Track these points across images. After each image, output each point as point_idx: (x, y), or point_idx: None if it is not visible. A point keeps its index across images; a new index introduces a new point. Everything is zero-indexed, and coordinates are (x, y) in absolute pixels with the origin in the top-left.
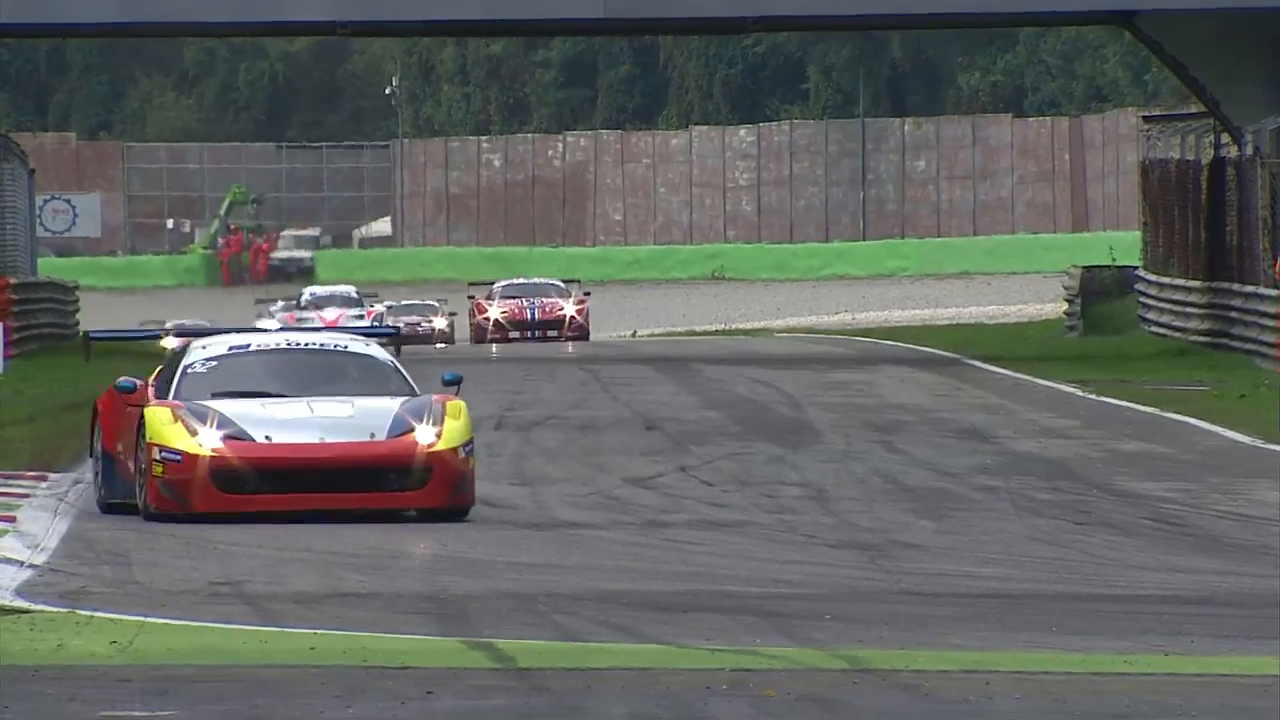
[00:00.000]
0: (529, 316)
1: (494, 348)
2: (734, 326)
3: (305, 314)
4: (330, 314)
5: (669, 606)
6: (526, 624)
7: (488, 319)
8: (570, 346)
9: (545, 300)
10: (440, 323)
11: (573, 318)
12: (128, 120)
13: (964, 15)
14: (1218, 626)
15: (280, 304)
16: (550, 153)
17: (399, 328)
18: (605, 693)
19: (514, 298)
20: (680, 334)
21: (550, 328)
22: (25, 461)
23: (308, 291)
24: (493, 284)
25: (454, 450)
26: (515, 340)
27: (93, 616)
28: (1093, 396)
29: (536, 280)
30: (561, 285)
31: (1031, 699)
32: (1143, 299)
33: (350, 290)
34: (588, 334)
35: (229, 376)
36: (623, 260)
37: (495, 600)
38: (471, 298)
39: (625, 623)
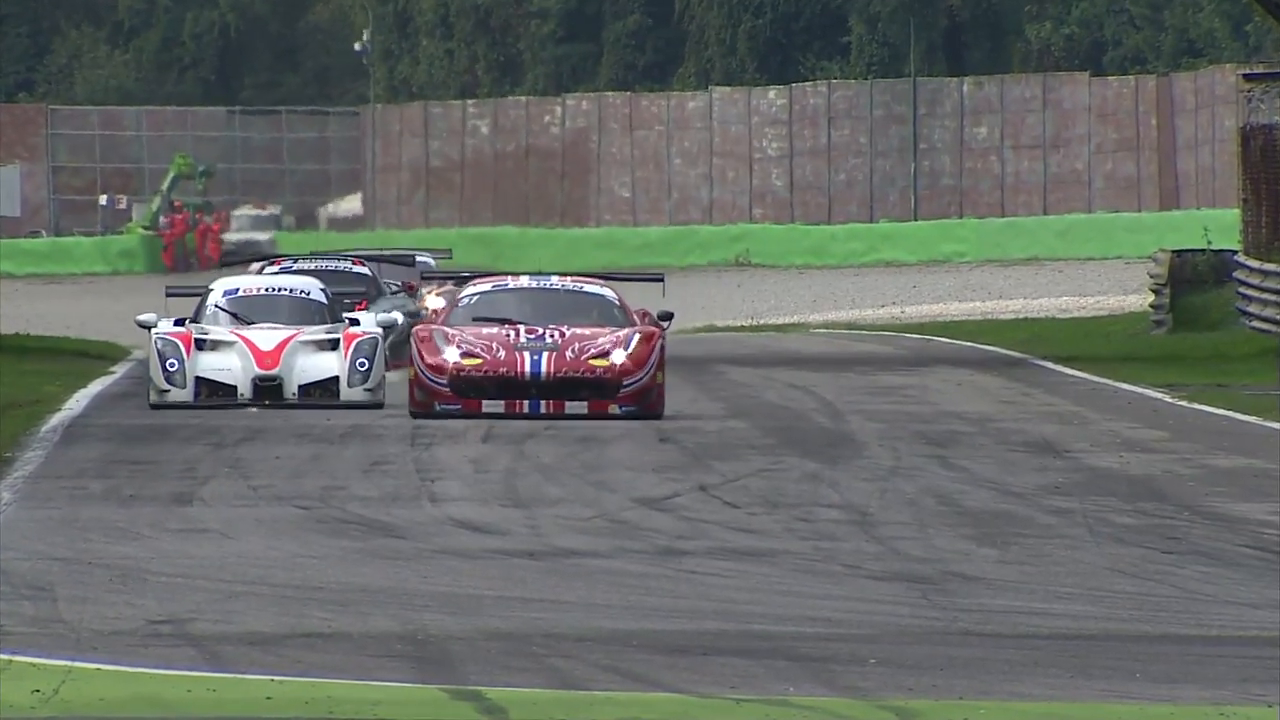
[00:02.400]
0: (529, 369)
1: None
2: (762, 321)
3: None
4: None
5: (686, 649)
6: (519, 669)
7: (438, 368)
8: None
9: (567, 331)
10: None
11: (626, 371)
12: (52, 79)
13: None
14: None
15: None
16: (547, 118)
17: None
18: None
19: (498, 323)
20: (699, 330)
21: (575, 392)
22: None
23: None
24: (455, 282)
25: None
26: (494, 416)
27: (11, 661)
28: (1183, 403)
29: (549, 282)
30: (602, 293)
31: None
32: (1242, 289)
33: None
34: (658, 405)
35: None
36: (632, 243)
37: (483, 641)
38: (413, 316)
39: (635, 668)
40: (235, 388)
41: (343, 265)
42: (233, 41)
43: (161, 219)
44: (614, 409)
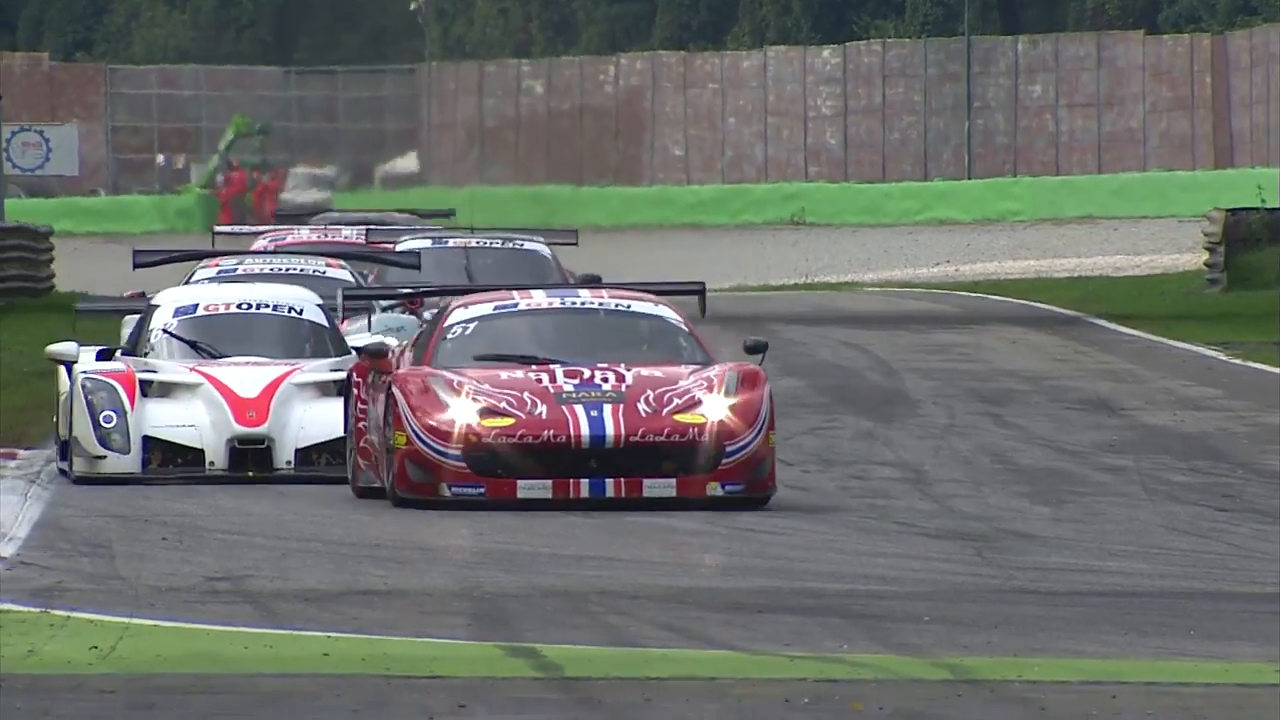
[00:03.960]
0: (587, 432)
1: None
2: (816, 279)
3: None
4: None
5: (740, 606)
6: (575, 626)
7: (443, 433)
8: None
9: (627, 372)
10: None
11: (729, 432)
12: (111, 39)
13: None
14: None
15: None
16: (601, 77)
17: None
18: (666, 706)
19: (517, 362)
20: (754, 289)
21: (656, 465)
22: None
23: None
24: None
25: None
26: (535, 505)
27: (69, 617)
28: (1238, 362)
29: (579, 300)
30: (658, 312)
31: (1166, 715)
32: None
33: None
34: (771, 482)
35: None
36: (685, 202)
37: (539, 599)
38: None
39: (689, 625)
40: (202, 452)
41: (313, 269)
42: (289, 1)
43: (219, 178)
44: (713, 489)
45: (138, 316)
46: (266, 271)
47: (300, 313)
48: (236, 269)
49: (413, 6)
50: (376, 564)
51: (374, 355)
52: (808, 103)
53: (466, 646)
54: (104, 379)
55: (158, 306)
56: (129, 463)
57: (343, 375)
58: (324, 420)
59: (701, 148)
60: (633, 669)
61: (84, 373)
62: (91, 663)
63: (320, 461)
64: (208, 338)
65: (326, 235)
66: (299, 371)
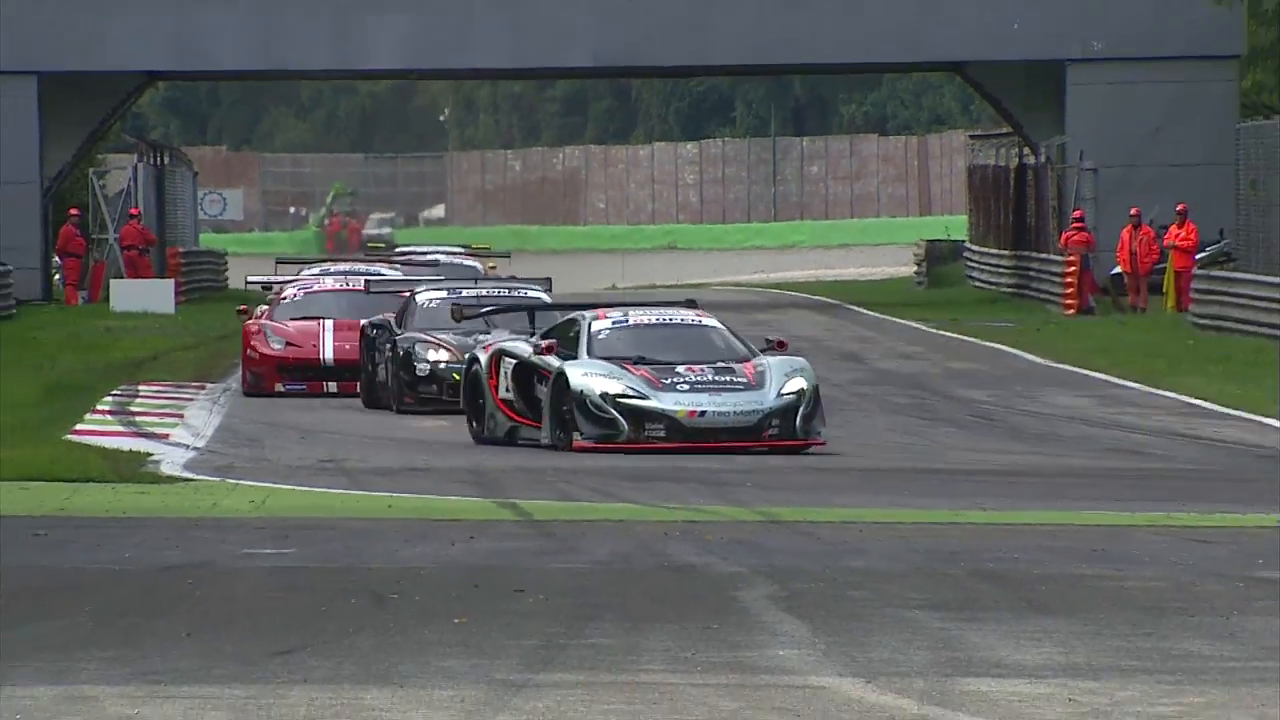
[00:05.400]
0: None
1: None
2: (684, 282)
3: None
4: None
5: (640, 478)
6: (539, 489)
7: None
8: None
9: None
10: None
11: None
12: (262, 137)
13: (844, 65)
14: (1022, 490)
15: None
16: (554, 161)
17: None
18: (594, 536)
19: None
20: (645, 287)
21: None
22: (190, 375)
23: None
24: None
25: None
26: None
27: (237, 484)
28: (934, 330)
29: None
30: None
31: (891, 540)
32: (968, 263)
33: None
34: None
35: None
36: (604, 235)
37: (518, 474)
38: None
39: (609, 489)
40: None
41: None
42: (368, 115)
43: (325, 220)
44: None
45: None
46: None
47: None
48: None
49: (442, 118)
50: (422, 451)
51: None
52: (679, 177)
53: (475, 502)
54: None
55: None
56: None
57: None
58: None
59: (615, 203)
60: (574, 515)
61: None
62: (250, 511)
63: None
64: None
65: (397, 266)
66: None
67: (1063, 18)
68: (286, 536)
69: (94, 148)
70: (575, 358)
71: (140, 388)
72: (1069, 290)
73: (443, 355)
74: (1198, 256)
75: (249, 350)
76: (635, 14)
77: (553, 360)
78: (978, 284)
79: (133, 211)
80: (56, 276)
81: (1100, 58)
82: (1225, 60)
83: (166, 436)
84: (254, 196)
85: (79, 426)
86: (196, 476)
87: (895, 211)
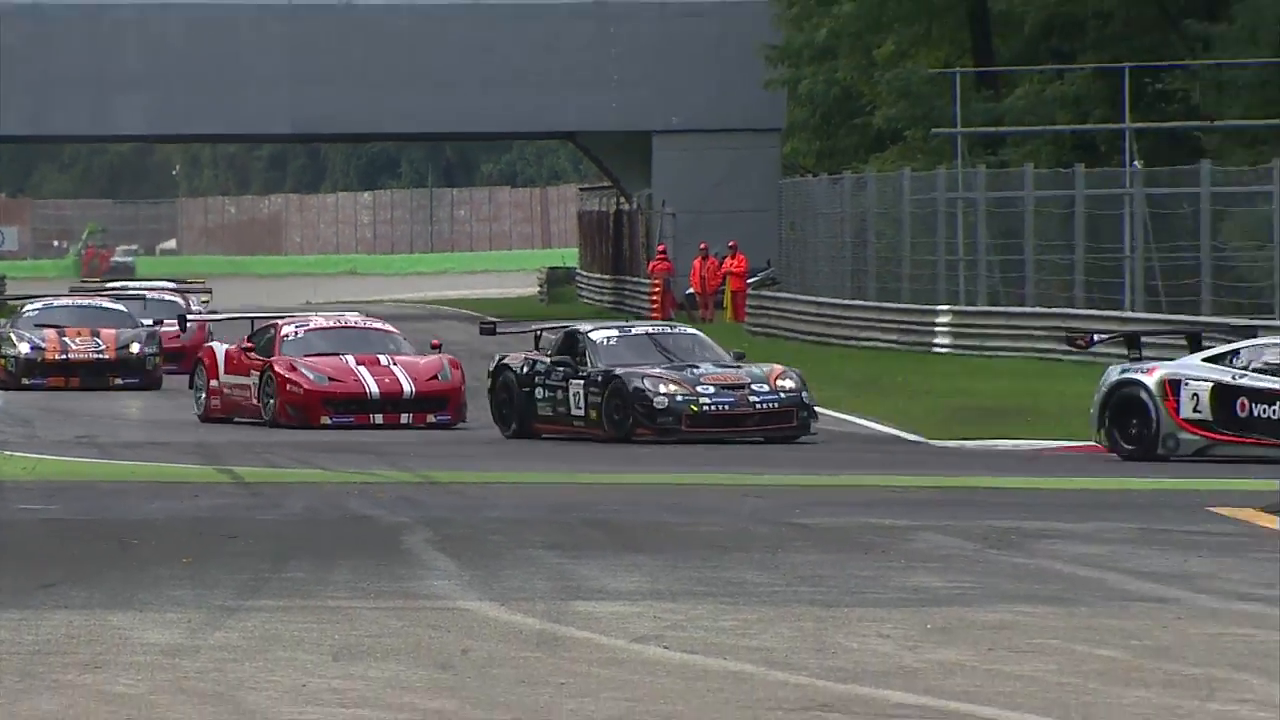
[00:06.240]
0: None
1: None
2: (361, 299)
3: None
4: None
5: (330, 450)
6: (250, 459)
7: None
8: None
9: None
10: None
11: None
12: (34, 186)
13: (483, 133)
14: (615, 456)
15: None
16: (262, 205)
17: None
18: (293, 495)
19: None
20: (334, 302)
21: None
22: None
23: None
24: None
25: None
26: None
27: (12, 455)
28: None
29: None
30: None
31: (520, 496)
32: (579, 285)
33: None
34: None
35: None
36: (300, 263)
37: (234, 447)
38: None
39: (306, 458)
40: None
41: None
42: (118, 170)
43: (82, 251)
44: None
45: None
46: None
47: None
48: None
49: (174, 172)
50: (162, 429)
51: None
52: (357, 218)
53: (199, 468)
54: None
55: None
56: None
57: None
58: None
59: (309, 239)
60: (277, 479)
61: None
62: (23, 476)
63: None
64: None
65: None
66: None
67: (649, 99)
68: (52, 496)
69: None
70: None
71: None
72: (655, 305)
73: (673, 389)
74: (750, 280)
75: (289, 385)
76: (324, 93)
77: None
78: (587, 300)
79: None
80: None
81: (678, 129)
82: (771, 132)
83: None
84: (27, 233)
85: None
86: None
87: (523, 246)
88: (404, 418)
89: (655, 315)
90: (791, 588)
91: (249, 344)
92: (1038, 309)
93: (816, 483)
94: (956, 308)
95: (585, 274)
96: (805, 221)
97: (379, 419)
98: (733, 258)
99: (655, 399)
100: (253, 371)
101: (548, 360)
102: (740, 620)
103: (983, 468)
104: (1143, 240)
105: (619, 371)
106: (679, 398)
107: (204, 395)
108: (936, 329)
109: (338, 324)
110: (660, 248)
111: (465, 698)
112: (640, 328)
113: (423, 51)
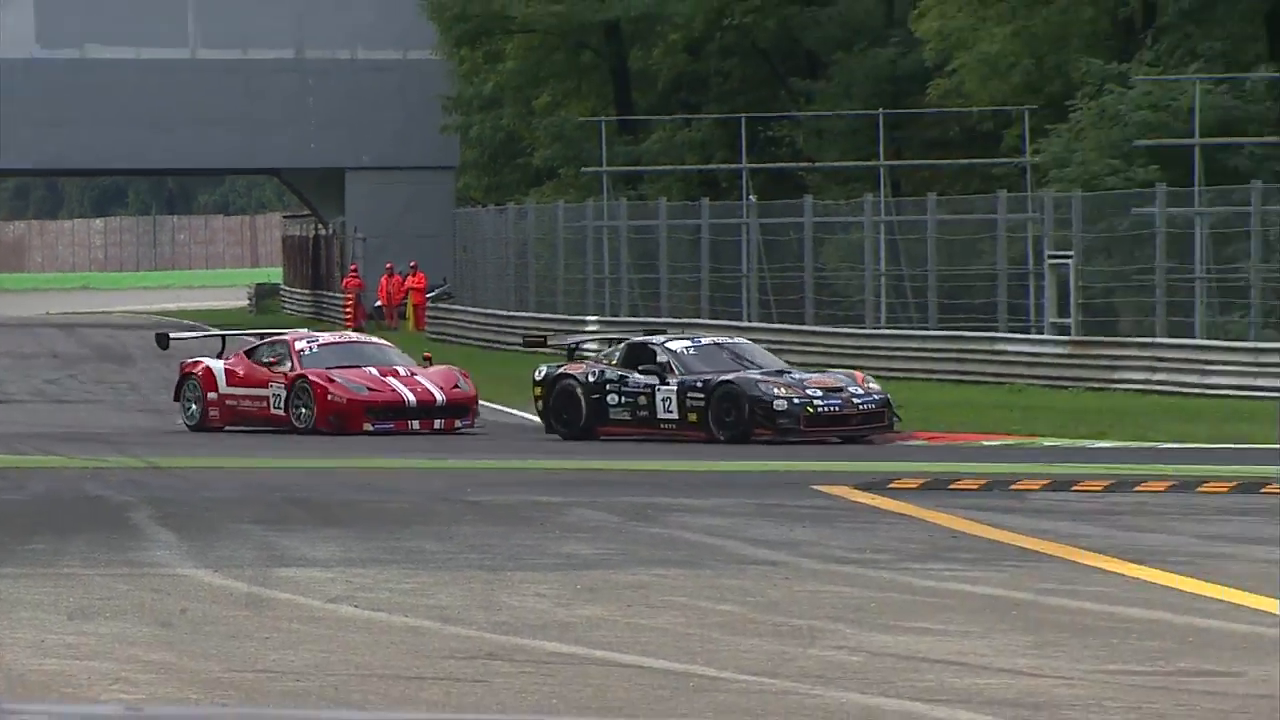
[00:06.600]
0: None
1: None
2: (96, 309)
3: None
4: None
5: (70, 440)
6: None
7: None
8: None
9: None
10: None
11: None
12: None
13: (200, 169)
14: (328, 446)
15: None
16: (8, 230)
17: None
18: (35, 478)
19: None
20: (70, 313)
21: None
22: None
23: None
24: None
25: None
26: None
27: None
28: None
29: None
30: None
31: (233, 479)
32: (284, 299)
33: None
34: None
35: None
36: (41, 280)
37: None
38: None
39: (46, 446)
40: None
41: None
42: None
43: None
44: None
45: None
46: None
47: None
48: None
49: None
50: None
51: None
52: (90, 241)
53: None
54: None
55: None
56: None
57: None
58: None
59: (49, 258)
60: (22, 464)
61: None
62: None
63: None
64: None
65: None
66: None
67: (342, 140)
68: None
69: None
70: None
71: None
72: (348, 315)
73: (788, 392)
74: (429, 294)
75: (330, 395)
76: (60, 132)
77: None
78: (290, 312)
79: None
80: None
81: (368, 166)
82: (447, 169)
83: None
84: None
85: None
86: None
87: (235, 265)
88: (436, 423)
89: (349, 325)
90: (463, 555)
91: (268, 360)
92: (669, 319)
93: (487, 466)
94: (603, 318)
95: (289, 289)
96: (475, 245)
97: (415, 425)
98: (414, 275)
99: (775, 402)
100: (272, 384)
101: (615, 369)
102: (420, 583)
103: (621, 453)
104: (757, 262)
105: (731, 378)
106: (795, 400)
107: (196, 406)
108: (586, 335)
109: (343, 340)
110: (353, 267)
111: (183, 651)
112: (708, 338)
113: (148, 98)
